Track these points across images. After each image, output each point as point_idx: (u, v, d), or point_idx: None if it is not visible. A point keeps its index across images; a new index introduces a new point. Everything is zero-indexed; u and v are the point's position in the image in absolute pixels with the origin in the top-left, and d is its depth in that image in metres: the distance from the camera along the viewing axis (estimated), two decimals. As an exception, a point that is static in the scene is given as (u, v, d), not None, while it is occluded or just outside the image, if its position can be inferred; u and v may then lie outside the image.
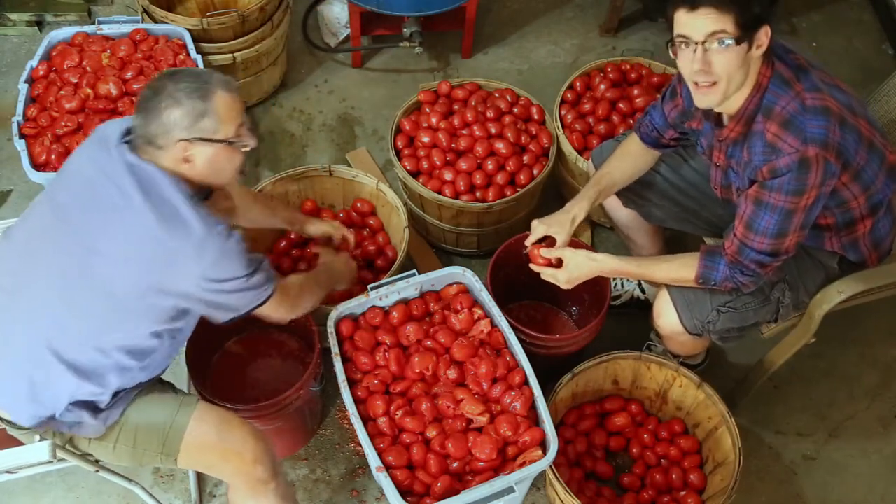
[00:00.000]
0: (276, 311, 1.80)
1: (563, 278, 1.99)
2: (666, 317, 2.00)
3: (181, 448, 1.74)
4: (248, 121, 1.70)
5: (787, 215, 1.71)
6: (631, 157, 2.12)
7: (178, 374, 2.45)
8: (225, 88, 1.63)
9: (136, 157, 1.60)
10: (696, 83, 1.69)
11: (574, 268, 1.98)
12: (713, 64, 1.64)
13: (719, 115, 1.81)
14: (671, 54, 1.71)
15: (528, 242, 2.07)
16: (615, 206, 2.30)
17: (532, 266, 2.04)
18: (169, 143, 1.59)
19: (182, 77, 1.61)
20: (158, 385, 1.82)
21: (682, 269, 1.89)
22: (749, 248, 1.78)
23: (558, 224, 2.04)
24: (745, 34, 1.61)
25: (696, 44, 1.63)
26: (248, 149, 1.71)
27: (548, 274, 2.01)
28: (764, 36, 1.63)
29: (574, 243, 2.28)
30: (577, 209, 2.07)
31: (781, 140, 1.67)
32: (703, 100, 1.72)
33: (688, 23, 1.62)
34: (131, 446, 1.75)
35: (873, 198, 1.84)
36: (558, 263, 2.01)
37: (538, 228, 2.05)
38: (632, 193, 2.21)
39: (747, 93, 1.71)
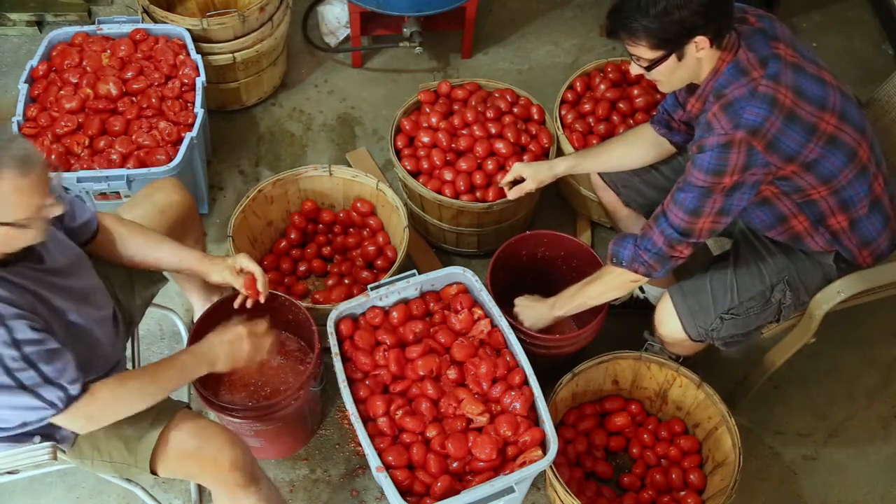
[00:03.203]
0: (68, 424, 1.59)
1: (526, 325, 2.15)
2: (668, 325, 2.01)
3: (159, 460, 1.72)
4: (54, 194, 1.46)
5: (704, 193, 1.73)
6: (638, 141, 2.15)
7: (178, 374, 2.45)
8: (18, 170, 1.36)
9: None
10: None
11: (527, 317, 2.16)
12: (646, 72, 1.76)
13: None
14: None
15: (502, 183, 2.29)
16: (617, 207, 2.30)
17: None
18: None
19: None
20: None
21: (605, 266, 1.97)
22: (664, 219, 1.80)
23: (534, 168, 2.23)
24: (665, 54, 1.69)
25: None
26: (48, 225, 1.48)
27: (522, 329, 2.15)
28: (702, 42, 1.68)
29: (574, 244, 2.30)
30: (562, 164, 2.22)
31: (717, 120, 1.70)
32: (659, 88, 1.84)
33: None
34: (109, 461, 1.75)
35: (841, 193, 1.83)
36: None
37: (515, 168, 2.25)
38: (634, 193, 2.22)
39: (706, 74, 1.77)
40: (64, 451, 1.75)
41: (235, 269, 1.88)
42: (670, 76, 1.76)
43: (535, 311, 2.14)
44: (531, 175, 2.22)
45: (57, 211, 1.47)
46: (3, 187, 1.36)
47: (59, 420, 1.55)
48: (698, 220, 1.76)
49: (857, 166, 1.82)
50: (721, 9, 1.66)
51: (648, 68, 1.73)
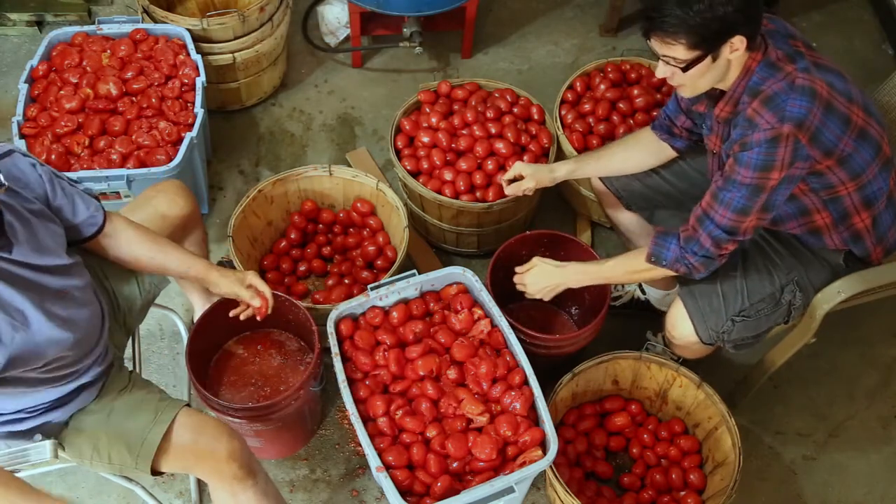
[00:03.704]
0: None
1: (527, 281, 2.09)
2: (681, 328, 2.01)
3: (160, 459, 1.72)
4: None
5: (753, 191, 1.72)
6: (638, 145, 2.15)
7: (179, 374, 2.46)
8: None
9: None
10: None
11: (538, 273, 2.07)
12: (674, 75, 1.73)
13: (723, 93, 1.82)
14: None
15: (502, 179, 2.30)
16: (618, 210, 2.30)
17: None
18: None
19: None
20: (136, 392, 1.79)
21: (636, 256, 1.93)
22: (710, 220, 1.79)
23: (535, 168, 2.25)
24: (701, 54, 1.67)
25: (659, 58, 1.74)
26: None
27: (518, 281, 2.12)
28: (738, 43, 1.66)
29: (574, 244, 2.30)
30: (562, 168, 2.24)
31: (759, 116, 1.70)
32: (680, 92, 1.83)
33: (651, 41, 1.72)
34: (107, 462, 1.75)
35: (866, 188, 1.83)
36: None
37: (516, 167, 2.26)
38: (635, 196, 2.22)
39: (736, 75, 1.75)
40: (63, 448, 1.75)
41: (245, 283, 1.92)
42: (699, 79, 1.73)
43: (550, 278, 2.07)
44: (531, 174, 2.22)
45: None
46: None
47: None
48: (746, 218, 1.76)
49: (881, 160, 1.83)
50: (757, 8, 1.66)
51: (685, 69, 1.69)
